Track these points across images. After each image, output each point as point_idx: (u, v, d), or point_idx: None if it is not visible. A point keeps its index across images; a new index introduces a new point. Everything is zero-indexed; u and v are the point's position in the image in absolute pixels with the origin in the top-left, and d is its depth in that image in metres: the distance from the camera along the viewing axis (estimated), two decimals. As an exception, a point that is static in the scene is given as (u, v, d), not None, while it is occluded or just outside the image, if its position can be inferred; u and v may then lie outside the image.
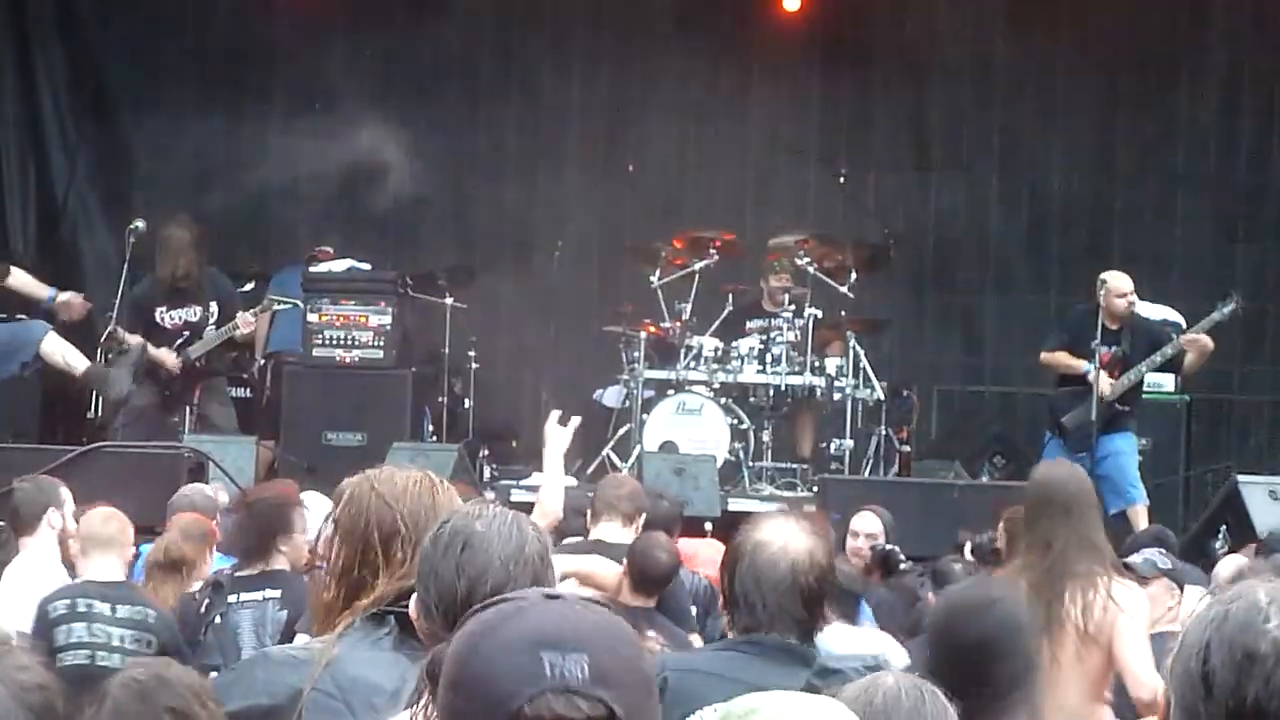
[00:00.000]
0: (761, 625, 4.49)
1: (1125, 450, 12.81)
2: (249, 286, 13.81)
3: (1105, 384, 12.58)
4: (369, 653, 3.81)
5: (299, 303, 14.09)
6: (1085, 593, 6.39)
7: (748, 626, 4.53)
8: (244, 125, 15.44)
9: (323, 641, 3.86)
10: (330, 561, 4.01)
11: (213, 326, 13.20)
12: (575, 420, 8.03)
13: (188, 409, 13.40)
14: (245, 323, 13.21)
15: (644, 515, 8.36)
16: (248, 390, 14.97)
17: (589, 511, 8.44)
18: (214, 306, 13.23)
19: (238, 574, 7.56)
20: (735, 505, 12.57)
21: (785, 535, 4.53)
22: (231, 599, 7.28)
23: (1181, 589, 7.56)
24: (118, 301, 13.03)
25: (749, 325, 14.28)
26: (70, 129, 16.45)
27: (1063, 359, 12.88)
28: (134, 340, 12.95)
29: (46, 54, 16.35)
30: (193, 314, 13.22)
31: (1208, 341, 12.86)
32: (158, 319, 13.18)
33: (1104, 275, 12.80)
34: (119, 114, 16.64)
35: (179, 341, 13.18)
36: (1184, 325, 13.50)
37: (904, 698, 3.17)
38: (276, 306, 13.90)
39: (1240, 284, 14.33)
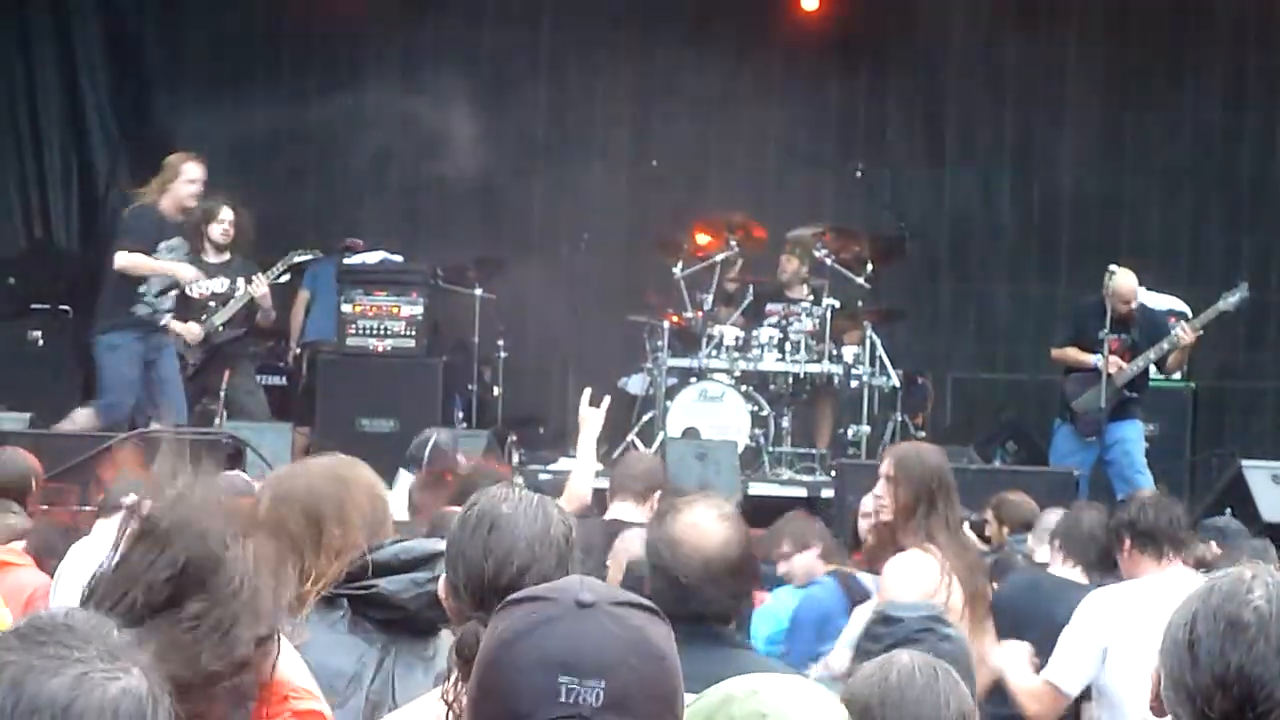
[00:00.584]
0: (684, 615, 4.22)
1: (1132, 437, 12.95)
2: (285, 277, 13.90)
3: (1116, 365, 12.74)
4: (328, 637, 3.91)
5: (319, 252, 14.18)
6: (988, 575, 6.20)
7: (671, 615, 4.49)
8: (280, 119, 15.52)
9: (291, 625, 3.89)
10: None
11: (236, 298, 13.19)
12: (606, 400, 8.18)
13: (218, 395, 13.27)
14: (257, 286, 13.11)
15: (658, 492, 8.55)
16: (284, 378, 15.12)
17: (607, 491, 8.69)
18: (241, 283, 13.19)
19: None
20: (755, 490, 12.74)
21: (699, 529, 4.37)
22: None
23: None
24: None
25: (769, 308, 14.47)
26: (110, 123, 16.50)
27: (1072, 354, 13.00)
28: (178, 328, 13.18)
29: (87, 48, 16.39)
30: (220, 285, 13.18)
31: (1193, 340, 12.90)
32: (187, 289, 13.08)
33: (1111, 268, 12.88)
34: (158, 107, 16.70)
35: (204, 315, 13.13)
36: (1190, 314, 13.61)
37: (918, 674, 3.26)
38: (297, 258, 13.79)
39: (1245, 274, 14.57)
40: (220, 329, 13.17)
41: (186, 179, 12.53)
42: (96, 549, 7.88)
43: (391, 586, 4.05)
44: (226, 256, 13.32)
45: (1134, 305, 12.87)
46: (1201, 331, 12.97)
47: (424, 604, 4.08)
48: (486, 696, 2.21)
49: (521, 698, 2.16)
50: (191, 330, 13.09)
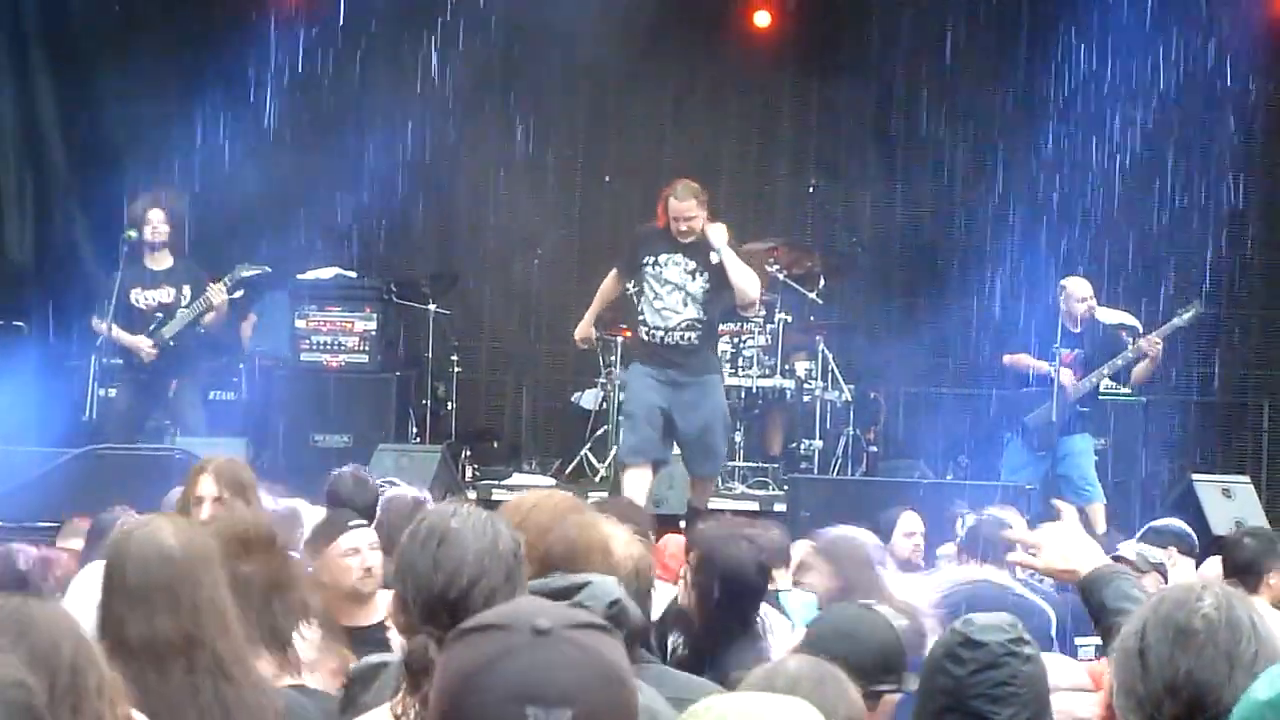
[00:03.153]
0: None
1: (1083, 450, 13.06)
2: (239, 294, 13.81)
3: (1069, 380, 12.84)
4: None
5: (268, 268, 13.93)
6: None
7: None
8: (235, 135, 15.51)
9: None
10: None
11: (185, 308, 12.95)
12: None
13: (165, 407, 13.24)
14: (216, 293, 12.82)
15: None
16: (234, 393, 14.99)
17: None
18: (187, 290, 12.97)
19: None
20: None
21: None
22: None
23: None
24: (111, 307, 12.91)
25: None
26: (64, 136, 16.25)
27: (1026, 360, 13.07)
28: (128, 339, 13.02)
29: (42, 62, 16.18)
30: (166, 295, 12.96)
31: (1159, 352, 13.01)
32: (132, 299, 12.94)
33: (1064, 281, 13.05)
34: (112, 121, 16.28)
35: (152, 326, 12.93)
36: (1140, 329, 13.68)
37: (804, 681, 3.26)
38: (244, 273, 13.35)
39: (1196, 288, 14.66)
40: (171, 343, 13.03)
41: (672, 214, 11.49)
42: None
43: None
44: (170, 263, 13.09)
45: (1090, 304, 12.95)
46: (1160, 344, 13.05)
47: None
48: None
49: None
50: (142, 344, 12.96)
